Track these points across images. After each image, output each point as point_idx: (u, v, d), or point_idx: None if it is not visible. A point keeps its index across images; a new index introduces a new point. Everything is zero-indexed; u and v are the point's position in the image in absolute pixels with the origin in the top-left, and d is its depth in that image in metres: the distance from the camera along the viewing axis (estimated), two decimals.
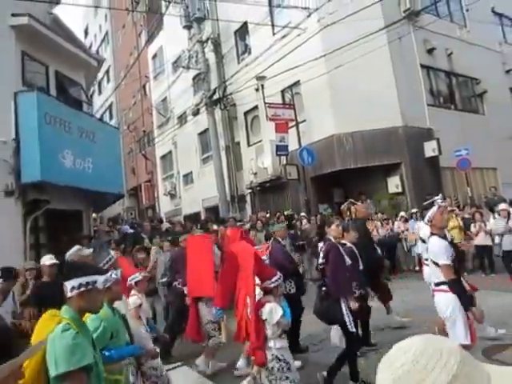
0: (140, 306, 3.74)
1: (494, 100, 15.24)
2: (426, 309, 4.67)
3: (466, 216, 9.66)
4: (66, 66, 9.64)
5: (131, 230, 11.19)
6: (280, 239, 5.55)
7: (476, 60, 14.47)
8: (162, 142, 20.75)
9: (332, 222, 5.16)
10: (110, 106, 27.99)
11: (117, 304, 2.97)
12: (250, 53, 15.31)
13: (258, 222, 10.13)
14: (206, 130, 16.93)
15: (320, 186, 13.10)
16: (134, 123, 24.26)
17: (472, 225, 9.04)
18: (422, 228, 5.44)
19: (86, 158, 8.62)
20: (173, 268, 6.23)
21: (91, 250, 5.41)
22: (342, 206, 6.66)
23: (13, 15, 8.03)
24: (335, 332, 4.42)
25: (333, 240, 4.60)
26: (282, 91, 14.01)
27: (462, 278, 3.57)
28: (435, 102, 14.03)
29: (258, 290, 3.77)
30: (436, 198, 3.97)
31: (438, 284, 3.46)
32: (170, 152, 21.23)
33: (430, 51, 13.67)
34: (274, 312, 3.44)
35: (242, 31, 15.74)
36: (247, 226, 9.93)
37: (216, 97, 15.66)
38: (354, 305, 4.17)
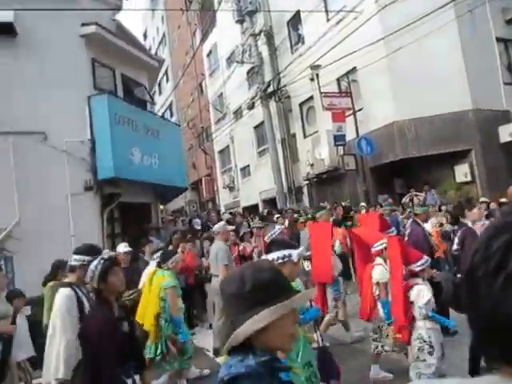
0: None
1: None
2: None
3: None
4: (130, 68, 10.20)
5: (199, 226, 11.47)
6: (420, 222, 5.42)
7: None
8: (219, 136, 21.33)
9: (474, 205, 4.88)
10: (170, 105, 29.20)
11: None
12: (303, 42, 15.13)
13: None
14: (261, 123, 17.10)
15: (379, 177, 12.64)
16: (193, 120, 25.17)
17: None
18: None
19: (152, 154, 9.16)
20: None
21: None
22: (404, 199, 6.39)
23: (82, 25, 8.63)
24: None
25: (469, 225, 4.44)
26: (338, 79, 13.65)
27: None
28: None
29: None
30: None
31: None
32: (228, 146, 21.73)
33: (510, 21, 12.36)
34: (422, 295, 3.56)
35: (295, 21, 15.59)
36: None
37: (270, 89, 15.73)
38: None
